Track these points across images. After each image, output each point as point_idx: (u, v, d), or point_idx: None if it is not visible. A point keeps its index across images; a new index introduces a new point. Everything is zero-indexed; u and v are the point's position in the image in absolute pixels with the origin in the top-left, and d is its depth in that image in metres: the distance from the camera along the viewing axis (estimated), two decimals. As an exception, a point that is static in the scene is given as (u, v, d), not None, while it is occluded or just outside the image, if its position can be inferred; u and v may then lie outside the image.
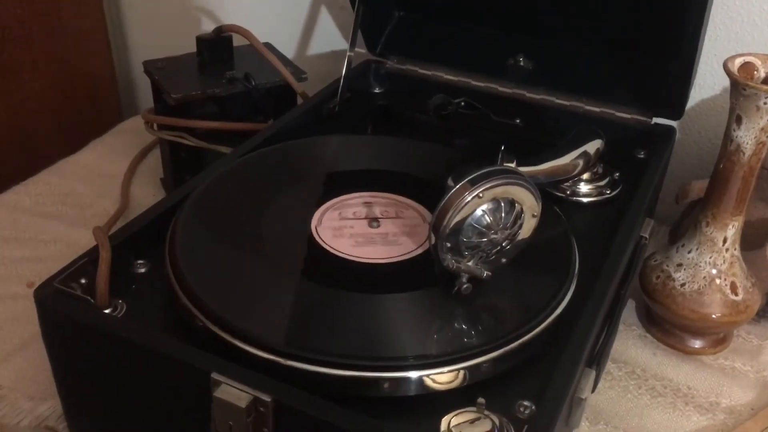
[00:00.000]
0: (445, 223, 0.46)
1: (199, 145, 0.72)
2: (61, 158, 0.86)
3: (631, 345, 0.64)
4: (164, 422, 0.47)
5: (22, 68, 0.96)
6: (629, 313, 0.68)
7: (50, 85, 1.00)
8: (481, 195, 0.46)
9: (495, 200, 0.47)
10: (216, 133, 0.72)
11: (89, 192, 0.81)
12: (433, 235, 0.47)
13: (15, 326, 0.62)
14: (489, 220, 0.47)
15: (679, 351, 0.64)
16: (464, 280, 0.48)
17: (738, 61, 0.56)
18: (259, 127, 0.71)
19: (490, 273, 0.48)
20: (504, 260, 0.49)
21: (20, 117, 0.98)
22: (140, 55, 1.08)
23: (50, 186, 0.81)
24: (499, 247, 0.48)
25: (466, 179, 0.46)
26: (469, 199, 0.46)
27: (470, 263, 0.48)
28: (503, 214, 0.47)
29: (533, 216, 0.48)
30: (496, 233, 0.47)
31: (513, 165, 0.53)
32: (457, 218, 0.46)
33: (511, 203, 0.47)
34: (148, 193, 0.81)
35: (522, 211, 0.48)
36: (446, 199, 0.46)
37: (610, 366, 0.62)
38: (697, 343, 0.64)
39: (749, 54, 0.57)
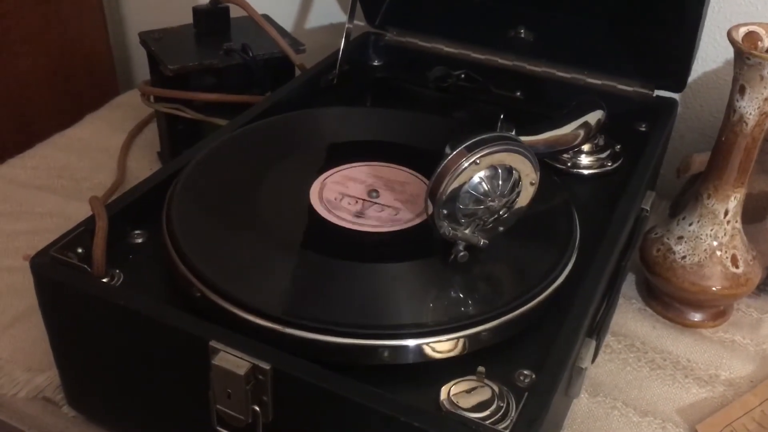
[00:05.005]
0: (441, 189, 0.45)
1: (197, 118, 0.71)
2: (56, 132, 0.86)
3: (630, 318, 0.64)
4: (163, 391, 0.47)
5: (17, 41, 0.95)
6: (629, 287, 0.67)
7: (46, 59, 0.99)
8: (478, 161, 0.45)
9: (492, 167, 0.46)
10: (213, 105, 0.72)
11: (85, 166, 0.80)
12: (429, 202, 0.46)
13: (12, 299, 0.62)
14: (486, 188, 0.46)
15: (678, 324, 0.64)
16: (461, 248, 0.47)
17: (742, 31, 0.55)
18: (256, 99, 0.70)
19: (487, 241, 0.48)
20: (501, 229, 0.49)
21: (16, 90, 0.97)
22: (136, 27, 1.06)
23: (46, 159, 0.81)
24: (496, 215, 0.48)
25: (463, 145, 0.45)
26: (466, 165, 0.45)
27: (467, 231, 0.47)
28: (500, 182, 0.47)
29: (531, 184, 0.48)
30: (493, 201, 0.47)
31: (512, 133, 0.53)
32: (454, 185, 0.45)
33: (509, 171, 0.47)
34: (144, 167, 0.80)
35: (519, 178, 0.47)
36: (443, 165, 0.45)
37: (609, 339, 0.62)
38: (697, 317, 0.64)
39: (753, 23, 0.56)
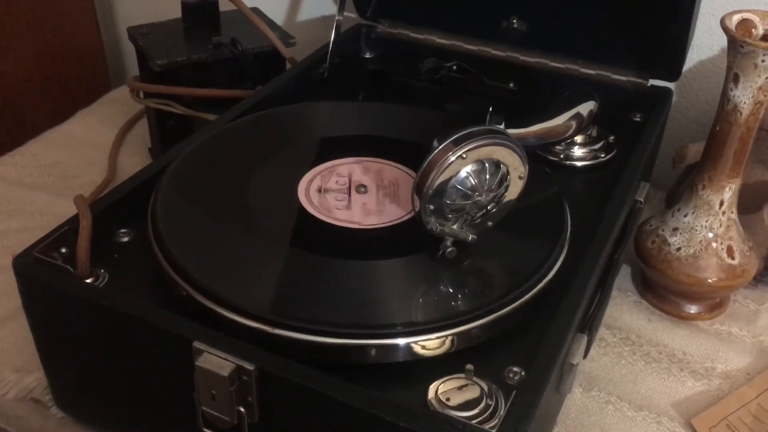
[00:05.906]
0: (427, 184, 0.45)
1: (187, 113, 0.71)
2: (48, 128, 0.85)
3: (625, 311, 0.63)
4: (148, 392, 0.47)
5: (8, 37, 0.95)
6: (624, 279, 0.67)
7: (36, 54, 0.99)
8: (464, 156, 0.44)
9: (479, 161, 0.45)
10: (203, 100, 0.71)
11: (76, 162, 0.80)
12: (416, 197, 0.46)
13: (0, 298, 0.61)
14: (473, 182, 0.46)
15: (674, 317, 0.63)
16: (448, 243, 0.47)
17: (736, 18, 0.54)
18: (246, 93, 0.69)
19: (475, 237, 0.47)
20: (490, 223, 0.48)
21: (6, 87, 0.96)
22: (127, 21, 1.05)
23: (37, 157, 0.80)
24: (484, 210, 0.47)
25: (450, 139, 0.44)
26: (453, 159, 0.44)
27: (455, 226, 0.46)
28: (488, 176, 0.46)
29: (520, 178, 0.47)
30: (480, 195, 0.46)
31: (501, 126, 0.52)
32: (441, 179, 0.45)
33: (497, 165, 0.46)
34: (135, 163, 0.79)
35: (507, 172, 0.47)
36: (429, 159, 0.45)
37: (604, 332, 0.61)
38: (693, 309, 0.63)
39: (747, 10, 0.55)
